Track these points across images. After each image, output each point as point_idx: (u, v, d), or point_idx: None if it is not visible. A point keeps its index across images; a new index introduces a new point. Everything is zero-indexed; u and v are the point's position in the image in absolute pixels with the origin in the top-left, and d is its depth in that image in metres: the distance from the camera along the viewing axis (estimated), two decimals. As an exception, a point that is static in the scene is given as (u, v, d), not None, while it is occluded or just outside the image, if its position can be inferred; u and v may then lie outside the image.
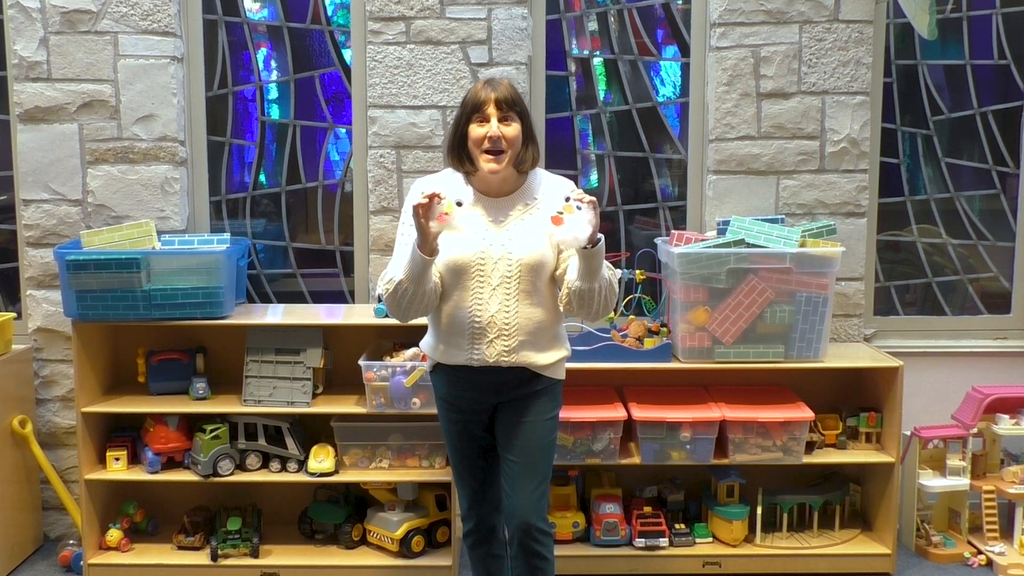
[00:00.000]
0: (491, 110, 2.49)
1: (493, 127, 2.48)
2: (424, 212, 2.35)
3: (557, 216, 2.35)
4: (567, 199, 2.36)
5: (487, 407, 2.64)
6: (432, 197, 2.35)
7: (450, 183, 2.59)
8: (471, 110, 2.52)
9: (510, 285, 2.51)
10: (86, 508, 3.46)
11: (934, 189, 3.98)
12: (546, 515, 2.67)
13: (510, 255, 2.51)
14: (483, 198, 2.58)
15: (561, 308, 2.56)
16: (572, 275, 2.47)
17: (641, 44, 3.87)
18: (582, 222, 2.33)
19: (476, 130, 2.51)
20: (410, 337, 3.52)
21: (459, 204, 2.38)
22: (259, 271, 3.90)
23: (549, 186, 2.61)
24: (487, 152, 2.50)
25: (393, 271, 2.52)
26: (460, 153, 2.57)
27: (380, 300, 3.48)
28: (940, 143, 3.95)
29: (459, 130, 2.56)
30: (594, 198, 2.38)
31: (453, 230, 2.40)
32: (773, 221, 3.52)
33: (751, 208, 3.72)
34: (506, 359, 2.53)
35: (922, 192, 3.98)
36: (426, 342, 2.70)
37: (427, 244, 2.39)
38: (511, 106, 2.51)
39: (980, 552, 3.60)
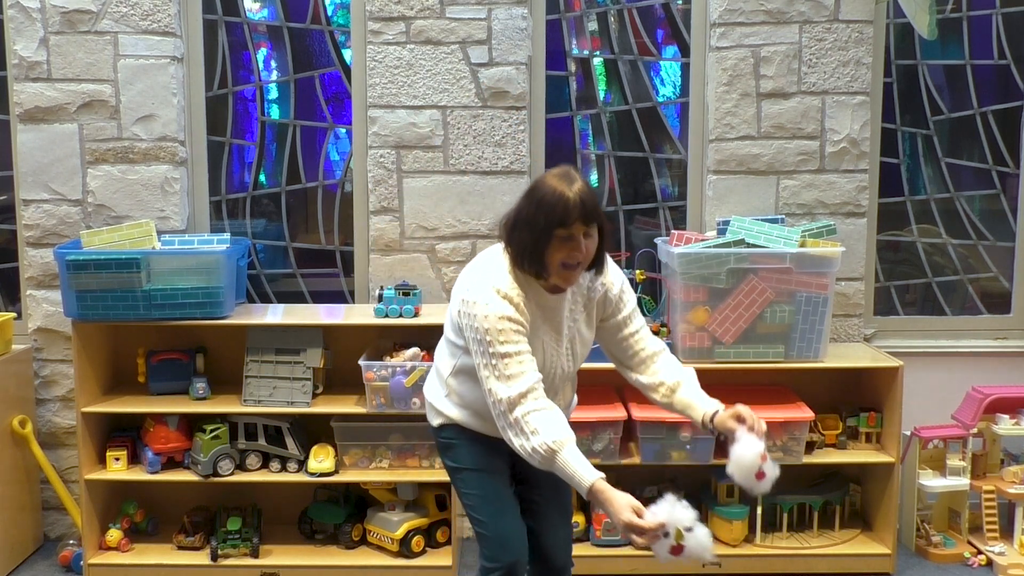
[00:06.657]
0: (578, 228, 2.22)
1: (582, 250, 2.23)
2: (649, 541, 2.15)
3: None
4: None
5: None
6: (657, 529, 2.12)
7: (516, 284, 2.30)
8: (556, 223, 2.21)
9: (563, 386, 2.49)
10: (86, 508, 3.46)
11: (934, 189, 3.98)
12: None
13: (567, 367, 2.44)
14: (539, 293, 2.34)
15: (651, 396, 2.56)
16: (681, 403, 2.50)
17: (641, 44, 3.87)
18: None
19: (559, 248, 2.23)
20: (410, 337, 3.52)
21: (688, 530, 2.14)
22: (259, 271, 3.90)
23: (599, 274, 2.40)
24: (564, 265, 2.26)
25: (555, 434, 2.19)
26: (536, 265, 2.26)
27: (380, 300, 3.49)
28: (940, 143, 3.95)
29: (539, 238, 2.23)
30: (764, 427, 2.30)
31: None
32: (773, 221, 3.52)
33: (751, 208, 3.72)
34: None
35: (922, 192, 3.98)
36: (452, 409, 2.48)
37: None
38: (595, 218, 2.25)
39: (980, 552, 3.60)
